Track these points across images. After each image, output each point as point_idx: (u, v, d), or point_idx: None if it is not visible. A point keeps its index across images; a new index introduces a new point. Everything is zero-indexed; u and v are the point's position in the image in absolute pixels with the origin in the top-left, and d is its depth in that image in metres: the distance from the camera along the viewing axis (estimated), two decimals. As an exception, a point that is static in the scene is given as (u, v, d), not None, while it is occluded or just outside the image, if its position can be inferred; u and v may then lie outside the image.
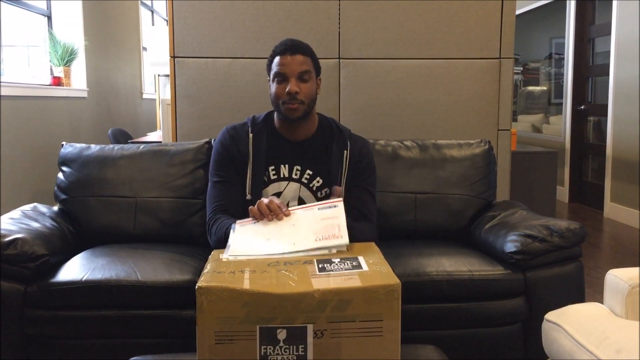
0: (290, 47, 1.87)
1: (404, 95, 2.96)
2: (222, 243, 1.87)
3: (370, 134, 2.37)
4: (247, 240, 1.55)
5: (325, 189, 1.96)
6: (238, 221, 1.67)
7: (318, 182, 1.97)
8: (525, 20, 7.07)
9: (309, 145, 1.99)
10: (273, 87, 1.90)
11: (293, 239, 1.51)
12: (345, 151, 1.98)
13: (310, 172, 1.96)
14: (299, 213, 1.63)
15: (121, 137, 4.70)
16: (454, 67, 2.96)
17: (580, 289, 2.09)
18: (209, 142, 2.49)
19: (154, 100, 7.12)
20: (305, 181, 1.97)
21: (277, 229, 1.58)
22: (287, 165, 1.97)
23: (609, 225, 4.99)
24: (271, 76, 1.91)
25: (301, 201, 1.96)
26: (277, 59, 1.88)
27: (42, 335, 1.94)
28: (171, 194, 2.39)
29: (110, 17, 6.13)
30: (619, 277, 1.62)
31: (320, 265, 1.35)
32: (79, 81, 5.27)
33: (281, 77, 1.87)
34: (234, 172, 1.97)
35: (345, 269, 1.32)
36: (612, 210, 5.17)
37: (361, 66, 2.94)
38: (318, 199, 1.96)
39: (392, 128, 2.95)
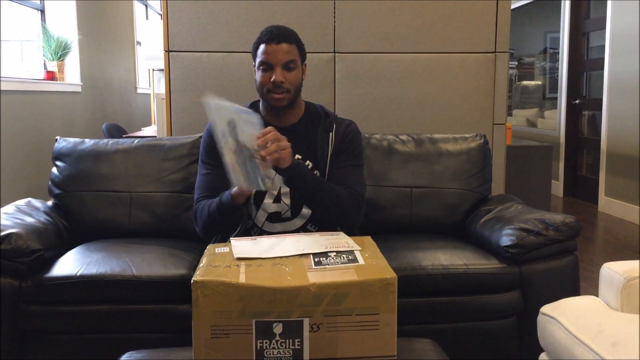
0: (276, 36, 1.86)
1: (400, 90, 2.95)
2: (209, 224, 1.86)
3: (365, 128, 2.37)
4: (250, 249, 1.44)
5: (315, 172, 1.95)
6: (232, 238, 1.58)
7: (308, 165, 1.96)
8: (520, 15, 7.06)
9: (296, 130, 1.97)
10: (258, 75, 1.89)
11: (300, 246, 1.43)
12: (330, 133, 1.98)
13: (300, 157, 1.95)
14: (300, 235, 1.57)
15: (116, 132, 4.68)
16: (449, 61, 2.96)
17: (576, 282, 2.10)
18: (203, 137, 2.48)
19: (149, 94, 7.08)
20: None
21: (279, 242, 1.50)
22: None
23: (604, 219, 5.01)
24: (256, 64, 1.90)
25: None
26: (262, 47, 1.87)
27: (37, 330, 1.94)
28: (166, 188, 2.38)
29: (104, 11, 6.09)
30: (614, 270, 1.62)
31: (316, 259, 1.35)
32: (72, 76, 5.24)
33: (266, 66, 1.86)
34: (220, 159, 1.95)
35: (342, 263, 1.32)
36: (607, 204, 5.19)
37: (356, 60, 2.93)
38: None
39: (388, 122, 2.95)
